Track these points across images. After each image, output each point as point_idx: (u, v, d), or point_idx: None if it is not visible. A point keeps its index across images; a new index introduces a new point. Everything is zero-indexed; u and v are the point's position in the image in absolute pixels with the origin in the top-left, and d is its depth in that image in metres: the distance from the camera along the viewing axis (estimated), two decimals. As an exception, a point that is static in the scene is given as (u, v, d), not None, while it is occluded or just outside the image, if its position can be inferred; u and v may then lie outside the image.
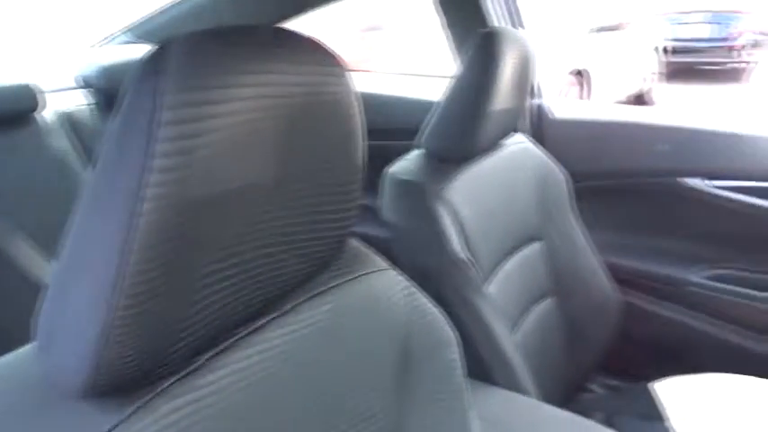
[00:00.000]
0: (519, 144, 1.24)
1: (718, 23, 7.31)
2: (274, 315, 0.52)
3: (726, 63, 7.33)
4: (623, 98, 5.78)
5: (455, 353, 0.66)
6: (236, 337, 0.49)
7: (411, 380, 0.62)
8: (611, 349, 1.28)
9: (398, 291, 0.62)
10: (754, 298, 1.33)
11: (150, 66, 0.37)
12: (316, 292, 0.55)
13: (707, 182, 1.33)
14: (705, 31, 7.39)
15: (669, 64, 6.78)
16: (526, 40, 1.10)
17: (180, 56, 0.37)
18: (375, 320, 0.59)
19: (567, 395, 1.25)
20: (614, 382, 1.38)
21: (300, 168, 0.46)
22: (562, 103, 1.52)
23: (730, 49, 7.25)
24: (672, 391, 1.20)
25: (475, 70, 1.04)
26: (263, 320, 0.51)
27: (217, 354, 0.47)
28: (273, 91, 0.41)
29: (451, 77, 1.08)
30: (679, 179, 1.35)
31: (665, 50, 6.70)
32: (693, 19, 7.40)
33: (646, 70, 6.21)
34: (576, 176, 1.30)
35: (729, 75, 7.28)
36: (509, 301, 1.11)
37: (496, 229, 1.11)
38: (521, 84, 1.12)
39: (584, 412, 1.18)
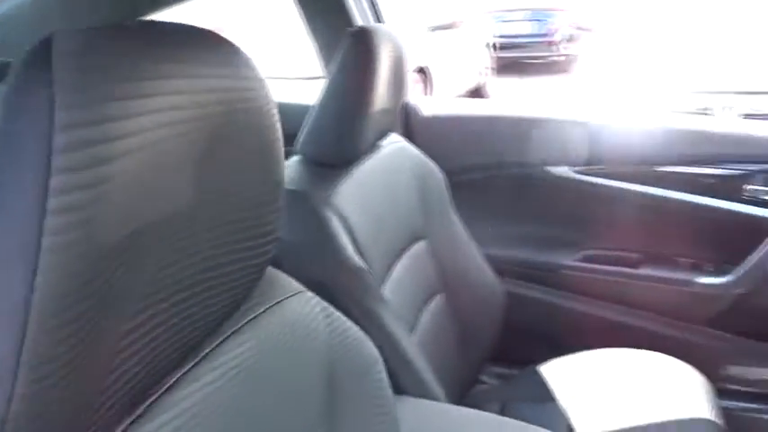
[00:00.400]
0: (396, 144, 1.21)
1: (538, 20, 7.96)
2: (193, 364, 0.45)
3: (547, 57, 8.01)
4: (462, 93, 6.08)
5: (381, 371, 0.64)
6: (153, 398, 0.41)
7: (341, 407, 0.58)
8: (500, 339, 1.30)
9: (316, 314, 0.58)
10: (622, 275, 1.42)
11: (33, 74, 0.27)
12: (235, 328, 0.50)
13: (571, 169, 1.39)
14: (527, 28, 8.01)
15: (498, 59, 7.25)
16: (398, 37, 1.07)
17: (71, 61, 0.27)
18: (297, 353, 0.54)
19: (462, 390, 1.25)
20: (505, 371, 1.41)
21: (218, 189, 0.39)
22: (428, 100, 1.52)
23: (549, 43, 7.93)
24: (558, 372, 1.24)
25: (349, 71, 0.99)
26: (182, 372, 0.44)
27: (133, 422, 0.39)
28: (186, 100, 0.32)
29: (324, 79, 1.02)
30: (546, 168, 1.40)
31: (495, 47, 7.15)
32: (516, 17, 7.99)
33: (480, 66, 6.59)
34: (448, 172, 1.30)
35: (552, 67, 7.96)
36: (403, 303, 1.08)
37: (384, 232, 1.08)
38: (396, 82, 1.09)
39: (479, 405, 1.18)
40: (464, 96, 6.00)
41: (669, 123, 1.39)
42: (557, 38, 7.86)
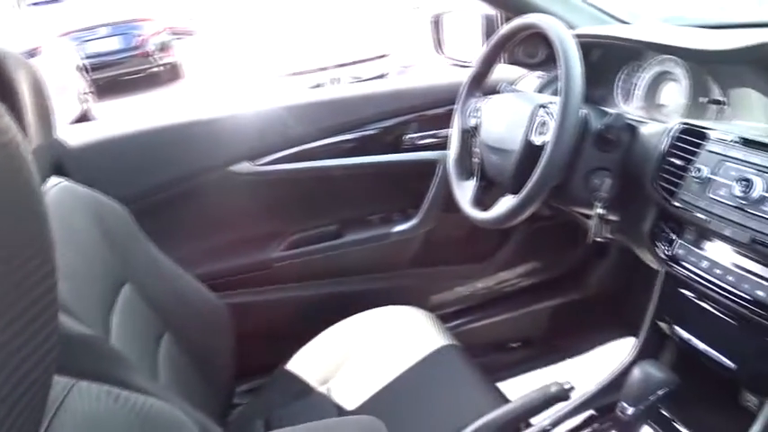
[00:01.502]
0: (58, 188, 0.99)
1: (123, 34, 7.57)
2: None
3: (146, 69, 7.70)
4: (70, 121, 5.46)
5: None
6: None
7: None
8: (239, 354, 1.21)
9: (105, 403, 0.51)
10: (329, 248, 1.45)
11: None
12: None
13: (252, 163, 1.35)
14: (114, 44, 7.56)
15: (94, 81, 6.69)
16: (34, 65, 0.87)
17: None
18: None
19: (221, 420, 1.14)
20: (257, 383, 1.33)
21: None
22: (75, 130, 1.29)
23: (144, 55, 7.63)
24: (305, 360, 1.22)
25: None
26: None
27: None
28: None
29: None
30: (229, 168, 1.32)
31: (87, 69, 6.57)
32: (98, 34, 7.46)
33: (78, 91, 5.99)
34: (126, 202, 1.13)
35: (156, 79, 7.70)
36: (135, 355, 0.92)
37: (86, 289, 0.88)
38: (42, 116, 0.88)
39: (243, 428, 1.10)
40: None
41: (322, 96, 1.45)
42: (150, 48, 7.60)
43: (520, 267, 1.68)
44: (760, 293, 0.82)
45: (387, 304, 1.30)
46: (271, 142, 1.36)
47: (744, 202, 0.81)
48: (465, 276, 1.63)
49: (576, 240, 1.67)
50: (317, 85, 3.74)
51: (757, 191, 0.80)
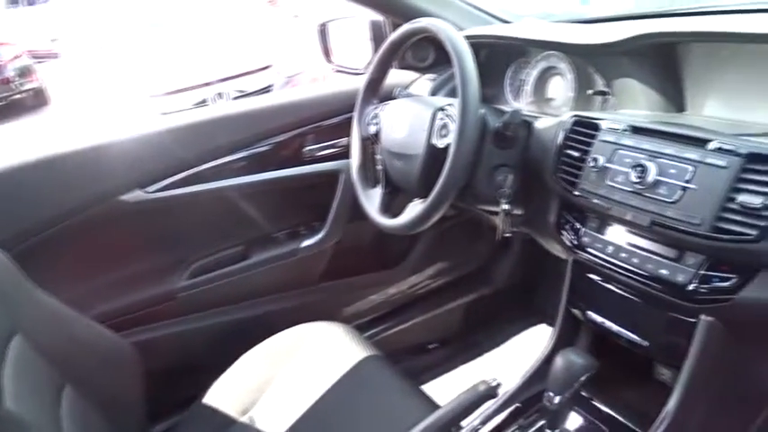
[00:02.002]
0: None
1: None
2: None
3: (7, 97, 7.11)
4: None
5: None
6: None
7: None
8: (153, 391, 1.13)
9: None
10: (236, 271, 1.39)
11: None
12: None
13: (144, 191, 1.26)
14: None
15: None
16: None
17: None
18: None
19: None
20: (174, 420, 1.25)
21: None
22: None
23: (4, 82, 7.05)
24: (224, 389, 1.17)
25: None
26: None
27: None
28: None
29: None
30: (120, 198, 1.23)
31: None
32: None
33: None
34: (5, 245, 1.02)
35: (22, 105, 7.12)
36: (38, 417, 0.83)
37: None
38: None
39: None
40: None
41: (214, 114, 1.38)
42: (9, 74, 7.03)
43: (430, 269, 1.70)
44: (663, 272, 0.86)
45: (301, 322, 1.27)
46: (162, 167, 1.28)
47: (641, 187, 0.85)
48: (377, 284, 1.62)
49: (481, 237, 1.71)
50: (202, 101, 3.60)
51: (651, 175, 0.84)
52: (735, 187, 0.76)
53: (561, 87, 1.21)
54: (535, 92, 1.26)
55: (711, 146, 0.79)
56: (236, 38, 4.23)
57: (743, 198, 0.74)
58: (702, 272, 0.82)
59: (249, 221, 1.42)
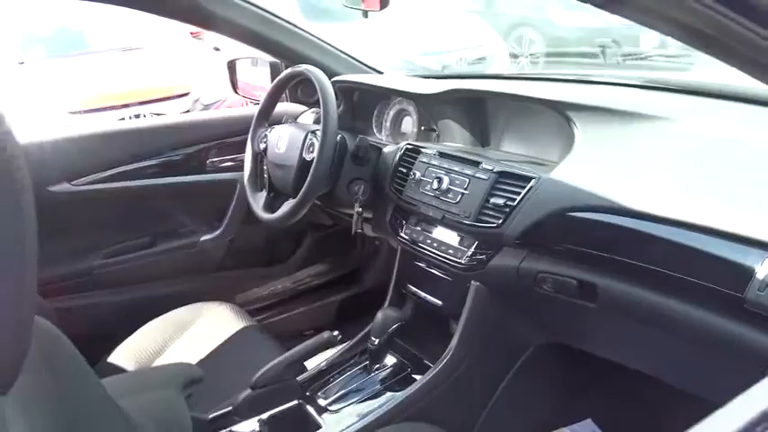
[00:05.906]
0: None
1: None
2: None
3: None
4: None
5: None
6: None
7: None
8: None
9: None
10: (146, 255, 1.68)
11: None
12: None
13: (70, 183, 1.54)
14: None
15: None
16: None
17: None
18: None
19: None
20: None
21: None
22: None
23: None
24: (122, 359, 1.41)
25: None
26: None
27: None
28: None
29: None
30: (49, 188, 1.50)
31: None
32: None
33: None
34: None
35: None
36: None
37: None
38: None
39: None
40: None
41: (135, 125, 1.69)
42: None
43: (311, 269, 2.04)
44: (450, 251, 1.25)
45: (193, 301, 1.56)
46: (89, 165, 1.56)
47: (438, 193, 1.24)
48: (265, 277, 1.94)
49: (354, 245, 2.07)
50: (121, 120, 3.81)
51: (445, 184, 1.23)
52: (490, 192, 1.15)
53: (409, 124, 1.61)
54: (392, 126, 1.66)
55: (481, 166, 1.19)
56: (157, 64, 4.47)
57: (493, 200, 1.14)
58: (472, 250, 1.21)
59: (159, 216, 1.72)
